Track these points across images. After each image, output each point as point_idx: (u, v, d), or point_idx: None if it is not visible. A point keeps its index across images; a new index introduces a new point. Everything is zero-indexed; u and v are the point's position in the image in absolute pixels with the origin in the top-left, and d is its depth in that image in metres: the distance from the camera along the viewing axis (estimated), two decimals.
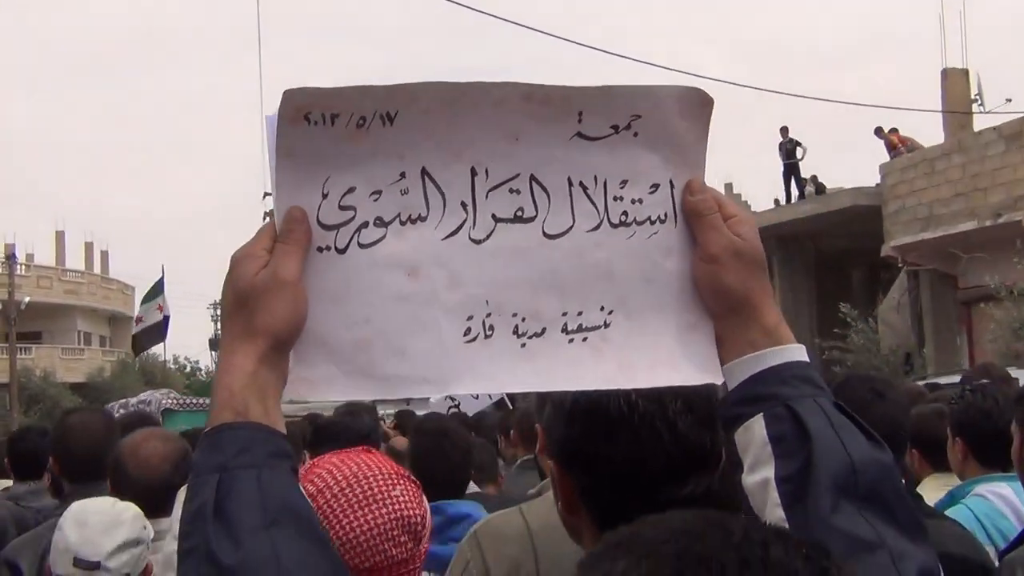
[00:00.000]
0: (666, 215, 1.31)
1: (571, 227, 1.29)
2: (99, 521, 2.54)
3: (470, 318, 1.25)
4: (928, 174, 19.84)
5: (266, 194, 49.80)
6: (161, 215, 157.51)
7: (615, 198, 1.30)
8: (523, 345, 1.27)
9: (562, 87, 1.27)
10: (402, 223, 1.24)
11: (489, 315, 1.26)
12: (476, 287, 1.26)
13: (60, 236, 55.27)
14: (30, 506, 4.62)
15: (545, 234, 1.28)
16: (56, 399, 39.12)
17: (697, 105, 1.31)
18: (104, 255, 58.09)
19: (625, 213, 1.30)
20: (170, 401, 14.38)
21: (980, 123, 21.50)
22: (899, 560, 1.12)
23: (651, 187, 1.31)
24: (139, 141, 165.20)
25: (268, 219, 1.26)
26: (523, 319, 1.27)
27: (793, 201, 24.52)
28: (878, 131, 22.84)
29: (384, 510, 1.92)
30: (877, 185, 21.43)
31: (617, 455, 1.40)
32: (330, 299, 1.22)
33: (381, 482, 1.96)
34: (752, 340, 1.27)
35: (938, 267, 20.26)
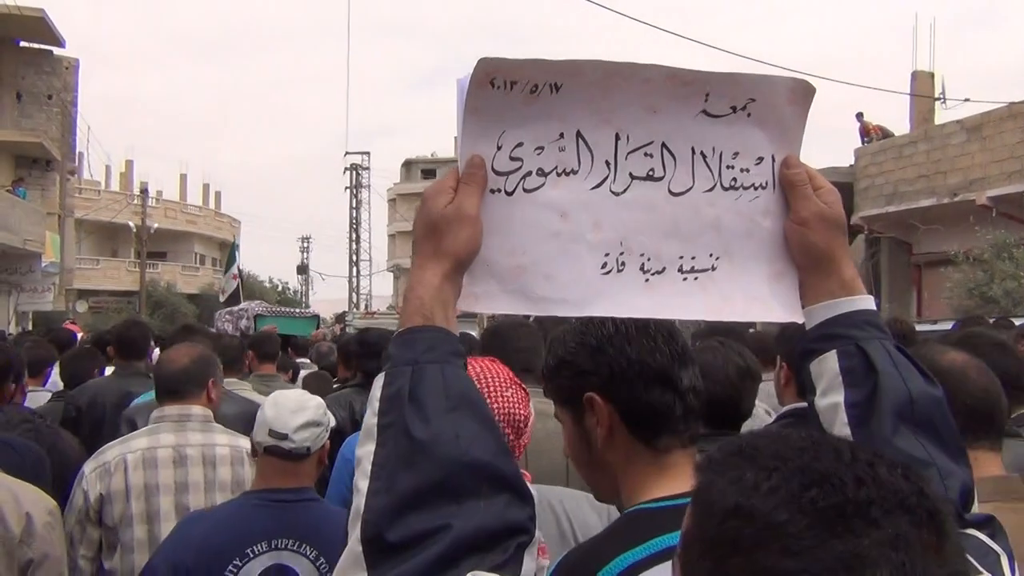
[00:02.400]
0: (766, 183, 1.29)
1: (691, 188, 1.27)
2: (289, 404, 2.52)
3: (607, 255, 1.24)
4: (896, 158, 18.85)
5: (347, 152, 50.53)
6: (262, 165, 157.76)
7: (727, 166, 1.28)
8: (647, 280, 1.26)
9: (697, 71, 1.23)
10: (558, 175, 1.22)
11: (622, 254, 1.25)
12: (613, 230, 1.24)
13: (183, 178, 54.81)
14: None
15: (670, 192, 1.26)
16: (176, 306, 39.25)
17: (803, 94, 1.29)
18: (218, 195, 57.64)
19: (735, 179, 1.28)
20: (261, 308, 14.87)
21: (940, 118, 20.43)
22: (946, 477, 1.12)
23: (757, 159, 1.29)
24: (247, 107, 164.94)
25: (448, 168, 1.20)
26: (648, 259, 1.26)
27: None
28: (859, 115, 21.56)
29: (494, 405, 1.87)
30: (850, 166, 20.41)
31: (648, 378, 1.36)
32: (498, 231, 1.20)
33: (496, 383, 1.92)
34: (831, 289, 1.25)
35: (896, 235, 19.43)
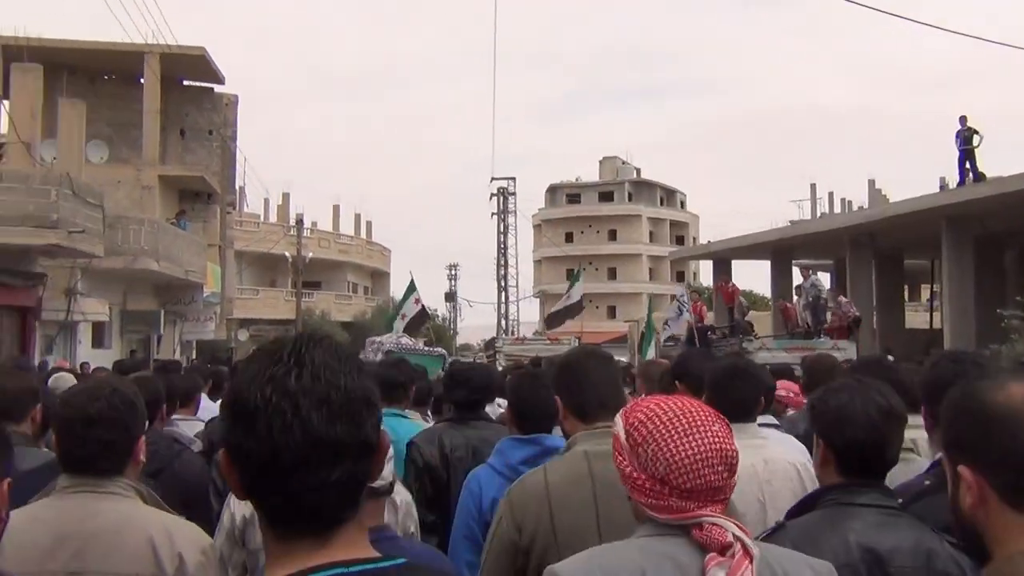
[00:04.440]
0: None
1: None
2: None
3: None
4: None
5: (493, 178, 50.59)
6: (410, 194, 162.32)
7: None
8: None
9: None
10: None
11: None
12: None
13: (336, 209, 56.22)
14: None
15: None
16: (330, 334, 39.74)
17: None
18: (369, 224, 58.69)
19: None
20: (391, 345, 15.65)
21: None
22: None
23: None
24: (395, 138, 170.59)
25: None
26: None
27: (966, 184, 20.96)
28: None
29: (707, 440, 1.75)
30: None
31: (253, 445, 1.18)
32: None
33: (703, 417, 1.80)
34: None
35: None
